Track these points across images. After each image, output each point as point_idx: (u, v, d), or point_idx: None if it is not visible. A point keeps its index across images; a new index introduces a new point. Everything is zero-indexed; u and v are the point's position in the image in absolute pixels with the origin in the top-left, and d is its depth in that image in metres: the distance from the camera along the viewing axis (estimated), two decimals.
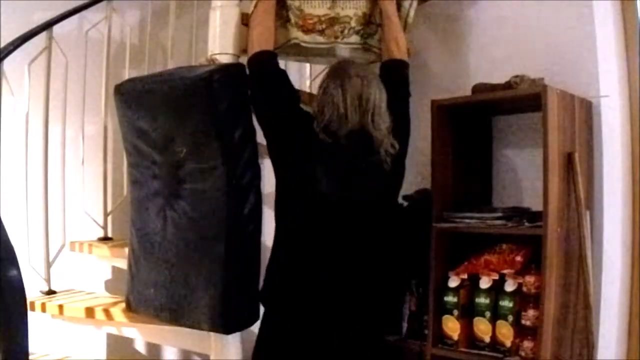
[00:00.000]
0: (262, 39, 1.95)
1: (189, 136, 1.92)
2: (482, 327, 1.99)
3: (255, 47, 1.94)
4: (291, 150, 1.88)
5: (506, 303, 1.94)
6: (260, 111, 1.92)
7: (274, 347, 1.87)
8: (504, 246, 2.06)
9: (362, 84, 1.83)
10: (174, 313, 2.00)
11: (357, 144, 1.82)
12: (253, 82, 1.93)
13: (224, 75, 1.87)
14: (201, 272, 1.92)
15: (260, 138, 1.97)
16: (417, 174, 2.34)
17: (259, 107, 1.93)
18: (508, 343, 1.93)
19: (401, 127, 1.95)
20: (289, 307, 1.87)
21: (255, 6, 1.98)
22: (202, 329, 1.96)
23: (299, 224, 1.89)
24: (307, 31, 2.06)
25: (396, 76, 2.03)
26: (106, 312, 2.42)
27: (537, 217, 1.93)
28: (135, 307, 2.17)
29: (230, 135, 1.88)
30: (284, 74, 1.95)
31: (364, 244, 1.89)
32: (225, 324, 1.91)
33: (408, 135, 2.01)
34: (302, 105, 1.96)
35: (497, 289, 1.97)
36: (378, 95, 1.84)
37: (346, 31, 2.10)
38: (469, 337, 2.02)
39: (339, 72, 1.87)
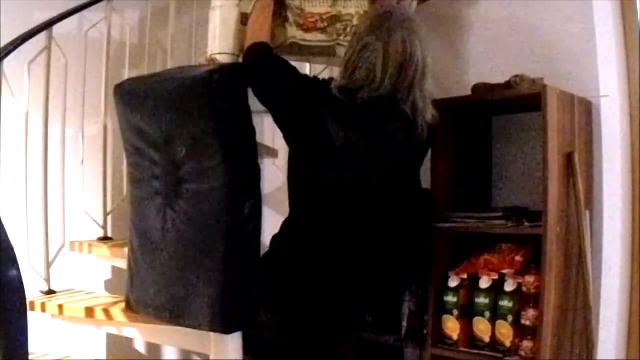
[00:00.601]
0: (259, 34, 1.94)
1: (188, 136, 1.92)
2: (481, 327, 1.99)
3: (251, 41, 1.94)
4: (305, 121, 1.82)
5: (506, 303, 1.94)
6: (265, 98, 1.90)
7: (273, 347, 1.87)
8: (504, 246, 2.06)
9: (407, 50, 1.69)
10: (173, 313, 2.00)
11: (380, 109, 1.72)
12: (251, 69, 1.91)
13: (223, 75, 1.87)
14: (201, 272, 1.92)
15: (260, 138, 1.97)
16: None
17: (263, 95, 1.91)
18: (508, 343, 1.93)
19: None
20: (290, 308, 1.86)
21: (254, 6, 1.98)
22: (202, 329, 1.96)
23: (315, 202, 1.85)
24: (308, 30, 2.06)
25: None
26: (106, 312, 2.42)
27: (537, 217, 1.93)
28: (135, 307, 2.17)
29: (229, 135, 1.88)
30: (278, 56, 1.92)
31: (371, 237, 1.86)
32: (225, 324, 1.91)
33: None
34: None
35: (496, 288, 1.97)
36: (422, 61, 1.72)
37: (348, 29, 2.10)
38: (469, 337, 2.02)
39: (383, 30, 1.71)
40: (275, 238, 1.93)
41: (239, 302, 1.90)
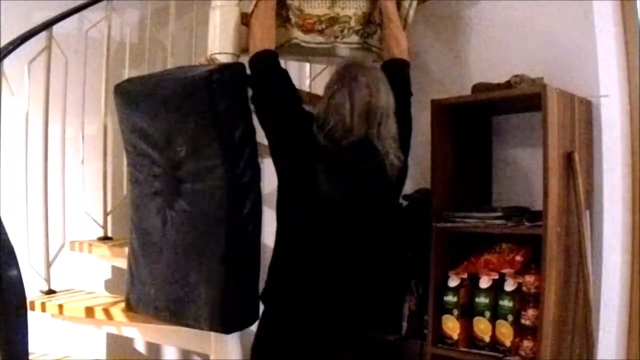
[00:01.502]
0: (263, 39, 1.94)
1: (188, 136, 1.92)
2: (481, 327, 1.99)
3: (256, 47, 1.94)
4: (292, 149, 1.87)
5: (506, 303, 1.94)
6: (262, 110, 1.92)
7: (272, 347, 1.87)
8: (504, 246, 2.06)
9: (371, 93, 1.78)
10: (173, 312, 2.00)
11: (359, 151, 1.80)
12: (254, 81, 1.92)
13: (223, 75, 1.87)
14: (201, 272, 1.92)
15: (260, 138, 1.97)
16: (417, 174, 2.34)
17: (260, 106, 1.92)
18: (508, 342, 1.93)
19: (404, 127, 1.94)
20: (291, 308, 1.86)
21: (256, 6, 1.98)
22: (201, 329, 1.96)
23: (300, 224, 1.88)
24: (306, 31, 2.06)
25: (397, 76, 2.01)
26: (106, 311, 2.42)
27: (536, 217, 1.93)
28: (135, 307, 2.17)
29: (229, 134, 1.88)
30: (285, 73, 1.95)
31: (364, 245, 1.88)
32: (225, 323, 1.91)
33: (410, 134, 2.00)
34: (303, 105, 1.96)
35: (496, 288, 1.97)
36: (386, 104, 1.81)
37: (346, 31, 2.10)
38: (469, 336, 2.02)
39: (347, 78, 1.81)
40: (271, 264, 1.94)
41: (239, 302, 1.90)
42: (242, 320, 1.94)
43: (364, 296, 1.89)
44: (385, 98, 1.81)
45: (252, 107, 1.94)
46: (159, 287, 2.04)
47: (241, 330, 1.98)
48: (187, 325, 1.99)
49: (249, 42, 1.99)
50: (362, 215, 1.86)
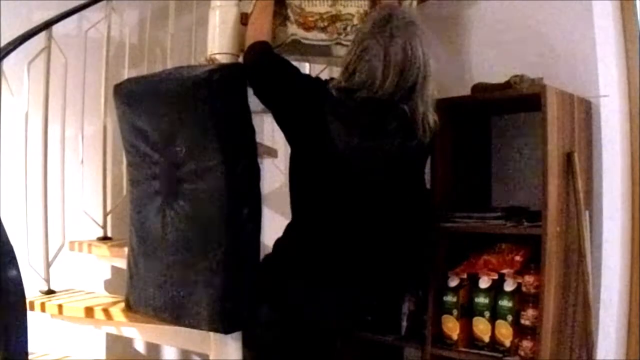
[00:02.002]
0: (259, 33, 1.94)
1: (188, 136, 1.92)
2: (481, 327, 1.99)
3: (251, 40, 1.94)
4: (305, 121, 1.81)
5: (505, 303, 1.94)
6: (266, 97, 1.90)
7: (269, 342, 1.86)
8: (504, 246, 2.06)
9: (407, 55, 1.68)
10: (173, 313, 2.00)
11: (373, 109, 1.71)
12: (251, 69, 1.91)
13: (223, 75, 1.87)
14: (200, 272, 1.92)
15: (260, 138, 1.97)
16: None
17: (263, 94, 1.91)
18: (507, 343, 1.93)
19: None
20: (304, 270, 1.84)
21: (254, 6, 1.98)
22: (201, 329, 1.96)
23: (318, 199, 1.84)
24: (308, 29, 2.06)
25: None
26: (105, 311, 2.42)
27: (536, 217, 1.93)
28: (135, 307, 2.17)
29: (229, 134, 1.88)
30: (279, 56, 1.92)
31: (385, 211, 1.83)
32: (224, 323, 1.91)
33: None
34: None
35: (496, 288, 1.97)
36: (423, 66, 1.70)
37: (348, 29, 2.10)
38: (469, 336, 2.02)
39: (384, 34, 1.69)
40: (279, 241, 1.93)
41: (238, 302, 1.90)
42: (242, 321, 1.94)
43: (366, 296, 1.88)
44: (423, 59, 1.71)
45: (255, 99, 1.92)
46: (158, 287, 2.04)
47: (240, 330, 1.98)
48: (187, 325, 1.99)
49: (245, 42, 1.99)
50: (383, 183, 1.79)
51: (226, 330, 1.94)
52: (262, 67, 1.90)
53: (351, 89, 1.72)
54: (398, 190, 1.86)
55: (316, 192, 1.85)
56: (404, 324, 2.20)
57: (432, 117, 1.78)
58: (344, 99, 1.73)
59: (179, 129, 1.94)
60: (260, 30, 1.95)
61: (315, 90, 1.82)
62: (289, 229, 1.91)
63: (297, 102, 1.84)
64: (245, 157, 1.91)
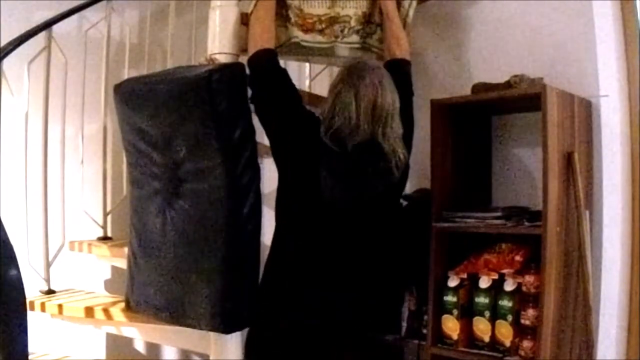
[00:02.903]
0: (263, 38, 1.94)
1: (188, 136, 1.92)
2: (481, 327, 1.99)
3: (256, 46, 1.93)
4: (294, 150, 1.87)
5: (506, 302, 1.94)
6: (262, 110, 1.92)
7: (267, 347, 1.87)
8: (504, 246, 2.06)
9: (377, 92, 1.75)
10: (173, 312, 2.00)
11: (365, 153, 1.78)
12: (254, 81, 1.92)
13: (223, 75, 1.87)
14: (200, 272, 1.92)
15: (260, 138, 1.97)
16: (417, 174, 2.34)
17: (260, 106, 1.92)
18: (507, 343, 1.93)
19: (406, 127, 1.93)
20: (288, 309, 1.86)
21: (255, 5, 1.98)
22: (201, 329, 1.96)
23: (300, 226, 1.88)
24: (306, 30, 2.06)
25: (399, 75, 2.00)
26: (106, 311, 2.42)
27: (536, 217, 1.93)
28: (135, 307, 2.17)
29: (229, 134, 1.88)
30: (284, 73, 1.94)
31: (366, 248, 1.88)
32: (225, 323, 1.91)
33: (412, 133, 2.00)
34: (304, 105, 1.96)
35: (496, 288, 1.97)
36: (392, 104, 1.78)
37: (346, 31, 2.10)
38: (469, 336, 2.02)
39: (353, 77, 1.78)
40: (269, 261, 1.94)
41: (239, 302, 1.90)
42: (242, 321, 1.94)
43: (365, 301, 1.88)
44: (391, 97, 1.78)
45: (252, 106, 1.94)
46: (158, 287, 2.04)
47: (241, 330, 1.98)
48: (187, 325, 1.99)
49: (248, 42, 1.99)
50: (365, 218, 1.86)
51: (226, 330, 1.94)
52: (265, 84, 1.91)
53: (340, 137, 1.76)
54: (379, 222, 1.91)
55: (297, 222, 1.88)
56: (404, 324, 2.20)
57: (401, 153, 1.82)
58: (336, 150, 1.77)
59: (179, 129, 1.94)
60: (264, 34, 1.95)
61: (310, 128, 1.83)
62: (273, 246, 1.93)
63: (291, 134, 1.87)
64: (245, 157, 1.91)
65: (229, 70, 1.91)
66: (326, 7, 2.07)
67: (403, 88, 1.97)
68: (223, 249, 1.88)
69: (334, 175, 1.79)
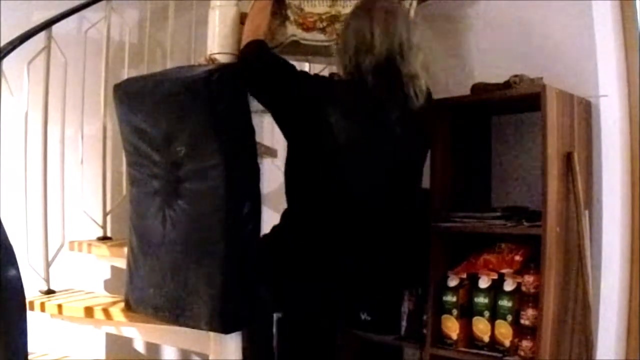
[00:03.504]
0: (255, 33, 1.93)
1: (188, 136, 1.92)
2: (481, 327, 1.99)
3: (248, 39, 1.93)
4: (302, 115, 1.83)
5: (505, 302, 1.94)
6: (262, 95, 1.90)
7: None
8: (503, 246, 2.06)
9: (389, 16, 1.78)
10: (173, 312, 2.00)
11: (380, 77, 1.75)
12: (245, 69, 1.90)
13: (222, 75, 1.87)
14: (200, 272, 1.92)
15: (260, 138, 1.97)
16: None
17: (259, 92, 1.90)
18: (507, 343, 1.93)
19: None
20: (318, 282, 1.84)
21: (252, 6, 1.98)
22: (201, 329, 1.96)
23: (319, 196, 1.84)
24: (307, 29, 2.06)
25: None
26: (105, 311, 2.42)
27: (536, 217, 1.93)
28: (135, 307, 2.17)
29: (229, 134, 1.88)
30: (273, 53, 1.92)
31: (383, 205, 1.85)
32: (224, 323, 1.91)
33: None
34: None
35: (496, 288, 1.97)
36: (406, 28, 1.79)
37: None
38: (468, 336, 2.02)
39: (365, 5, 1.84)
40: (275, 228, 1.93)
41: (238, 302, 1.90)
42: (241, 321, 1.94)
43: (363, 287, 1.87)
44: (405, 23, 1.80)
45: (250, 106, 1.93)
46: (158, 286, 2.04)
47: (240, 330, 1.98)
48: (187, 325, 1.99)
49: (241, 40, 1.99)
50: (386, 167, 1.81)
51: (225, 330, 1.94)
52: (258, 65, 1.89)
53: (357, 65, 1.74)
54: (397, 183, 1.86)
55: (314, 183, 1.85)
56: (404, 324, 2.20)
57: (424, 82, 1.79)
58: (351, 87, 1.75)
59: (178, 128, 1.94)
60: (256, 29, 1.95)
61: (312, 84, 1.83)
62: (284, 217, 1.91)
63: (294, 99, 1.84)
64: (245, 157, 1.91)
65: (228, 70, 1.91)
66: (327, 6, 2.07)
67: None
68: (223, 249, 1.88)
69: (347, 113, 1.76)
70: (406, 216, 1.92)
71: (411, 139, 1.86)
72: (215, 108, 1.86)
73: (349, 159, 1.79)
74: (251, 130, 1.94)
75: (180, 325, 2.02)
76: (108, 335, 2.93)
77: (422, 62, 1.79)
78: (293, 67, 1.89)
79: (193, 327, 1.98)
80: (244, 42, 1.95)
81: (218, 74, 1.86)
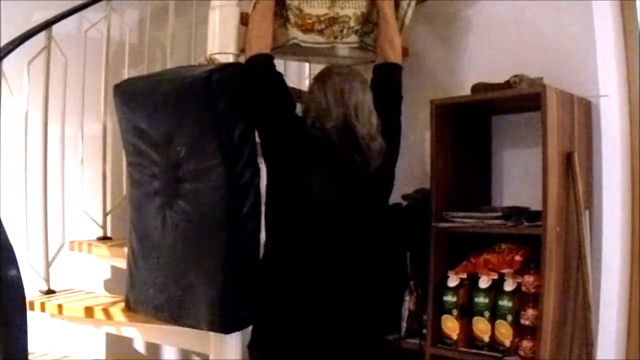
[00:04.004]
0: (259, 43, 1.94)
1: (188, 135, 1.92)
2: (481, 327, 1.99)
3: (252, 49, 1.93)
4: (285, 152, 1.88)
5: (505, 302, 1.94)
6: (257, 113, 1.92)
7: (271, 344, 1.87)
8: (503, 246, 2.06)
9: (343, 80, 1.88)
10: (173, 312, 2.00)
11: (344, 140, 1.83)
12: (250, 84, 1.92)
13: (222, 75, 1.86)
14: (200, 272, 1.92)
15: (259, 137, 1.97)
16: (417, 174, 2.34)
17: (256, 109, 1.92)
18: (507, 342, 1.93)
19: (392, 130, 1.96)
20: (287, 307, 1.86)
21: (254, 7, 1.98)
22: (201, 329, 1.96)
23: (293, 227, 1.88)
24: (306, 31, 2.06)
25: (388, 79, 2.04)
26: (105, 311, 2.42)
27: (536, 217, 1.93)
28: (135, 307, 2.17)
29: (229, 134, 1.87)
30: (280, 78, 1.94)
31: (358, 246, 1.88)
32: (224, 323, 1.91)
33: (399, 138, 2.02)
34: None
35: (496, 288, 1.97)
36: (361, 92, 1.88)
37: (345, 31, 2.10)
38: (468, 336, 2.02)
39: (322, 74, 1.95)
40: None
41: (238, 302, 1.90)
42: (241, 320, 1.93)
43: (361, 300, 1.88)
44: (360, 87, 1.89)
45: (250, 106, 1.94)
46: (158, 286, 2.03)
47: (240, 330, 1.98)
48: (187, 325, 1.99)
49: (245, 44, 1.99)
50: (353, 214, 1.88)
51: (226, 330, 1.94)
52: (260, 90, 1.90)
53: (315, 124, 1.87)
54: (368, 221, 1.93)
55: (290, 219, 1.90)
56: (404, 324, 2.20)
57: (378, 141, 1.87)
58: (320, 137, 1.84)
59: (178, 128, 1.94)
60: (261, 38, 1.95)
61: (299, 129, 1.88)
62: (266, 251, 1.94)
63: (283, 134, 1.89)
64: (244, 157, 1.91)
65: (228, 70, 1.91)
66: (326, 8, 2.07)
67: (391, 91, 2.01)
68: (222, 249, 1.88)
69: (321, 170, 1.84)
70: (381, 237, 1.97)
71: (373, 191, 1.93)
72: (215, 108, 1.86)
73: (323, 208, 1.85)
74: (251, 130, 1.94)
75: (181, 325, 2.02)
76: (108, 335, 2.93)
77: (376, 125, 1.88)
78: (292, 103, 1.94)
79: (193, 327, 1.98)
80: (249, 49, 1.95)
81: (218, 74, 1.86)
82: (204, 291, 1.90)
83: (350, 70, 1.95)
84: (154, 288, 2.05)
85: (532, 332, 1.87)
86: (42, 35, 2.60)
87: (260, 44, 1.94)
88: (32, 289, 2.55)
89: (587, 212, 1.99)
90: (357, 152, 1.85)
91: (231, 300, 1.89)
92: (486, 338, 1.97)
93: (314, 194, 1.83)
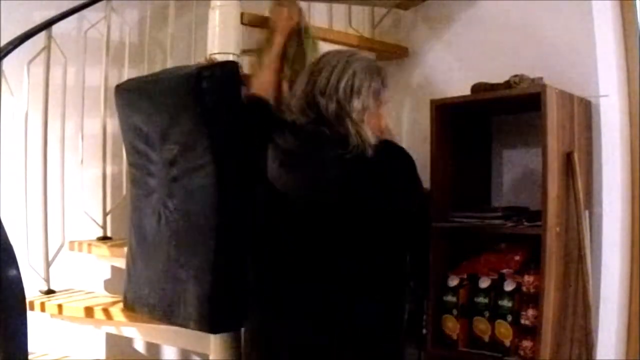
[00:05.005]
0: (261, 89, 2.00)
1: (180, 134, 1.90)
2: (481, 327, 1.99)
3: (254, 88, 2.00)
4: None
5: (505, 302, 1.94)
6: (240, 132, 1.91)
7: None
8: (503, 246, 2.06)
9: (314, 78, 1.77)
10: (165, 311, 1.98)
11: (314, 134, 1.75)
12: (243, 115, 1.91)
13: (213, 73, 1.84)
14: (191, 271, 1.90)
15: None
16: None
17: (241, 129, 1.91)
18: (507, 342, 1.93)
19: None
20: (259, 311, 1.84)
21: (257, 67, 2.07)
22: (190, 328, 1.94)
23: (261, 227, 1.86)
24: None
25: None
26: (105, 311, 2.42)
27: (536, 217, 1.93)
28: (131, 305, 2.16)
29: (220, 132, 1.86)
30: (268, 121, 1.90)
31: (358, 246, 1.77)
32: (211, 323, 1.88)
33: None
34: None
35: (496, 288, 1.97)
36: (352, 81, 1.73)
37: None
38: (469, 336, 2.03)
39: (315, 65, 1.85)
40: None
41: (227, 302, 1.87)
42: (230, 321, 1.90)
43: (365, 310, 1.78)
44: (333, 78, 1.74)
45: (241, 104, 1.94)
46: (152, 285, 2.03)
47: (228, 331, 1.96)
48: (178, 324, 1.96)
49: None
50: (326, 211, 1.75)
51: (213, 330, 1.92)
52: (251, 120, 1.90)
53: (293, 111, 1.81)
54: (348, 221, 1.76)
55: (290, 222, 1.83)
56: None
57: (363, 132, 1.70)
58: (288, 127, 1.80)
59: (172, 127, 1.93)
60: (264, 84, 2.02)
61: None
62: None
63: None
64: (236, 155, 1.90)
65: (220, 69, 1.89)
66: None
67: None
68: (212, 249, 1.86)
69: (279, 156, 1.81)
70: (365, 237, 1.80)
71: (354, 181, 1.73)
72: (206, 106, 1.84)
73: (284, 198, 1.80)
74: (242, 129, 1.93)
75: (172, 324, 2.00)
76: (108, 335, 2.93)
77: (357, 107, 1.72)
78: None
79: (183, 327, 1.95)
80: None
81: (208, 72, 1.84)
82: (194, 290, 1.89)
83: (353, 53, 1.85)
84: (149, 287, 2.05)
85: (532, 332, 1.87)
86: (42, 35, 2.60)
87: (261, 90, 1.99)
88: (32, 289, 2.55)
89: (587, 212, 1.99)
90: (332, 132, 1.72)
91: (218, 300, 1.86)
92: (486, 338, 1.98)
93: (275, 185, 1.80)
